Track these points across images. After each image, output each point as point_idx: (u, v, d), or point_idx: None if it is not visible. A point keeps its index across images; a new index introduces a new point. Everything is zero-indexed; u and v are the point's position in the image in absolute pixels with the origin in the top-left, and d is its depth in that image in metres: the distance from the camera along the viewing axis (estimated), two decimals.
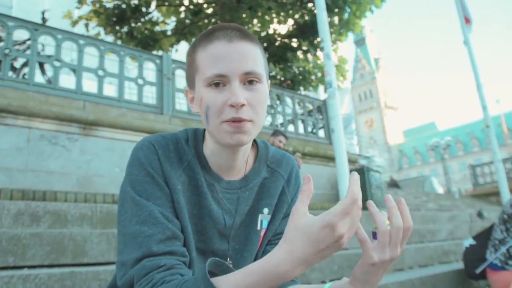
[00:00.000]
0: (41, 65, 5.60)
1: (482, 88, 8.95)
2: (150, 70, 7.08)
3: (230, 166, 0.99)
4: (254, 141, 1.07)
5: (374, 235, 0.80)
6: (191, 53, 0.94)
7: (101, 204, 2.64)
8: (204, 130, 1.03)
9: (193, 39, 8.31)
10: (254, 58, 0.90)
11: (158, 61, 6.23)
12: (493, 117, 8.88)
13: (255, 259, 1.05)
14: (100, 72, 5.55)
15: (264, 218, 1.05)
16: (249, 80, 0.88)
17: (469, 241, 2.92)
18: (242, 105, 0.85)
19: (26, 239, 1.92)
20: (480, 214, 6.74)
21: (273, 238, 1.07)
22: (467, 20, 9.20)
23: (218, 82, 0.86)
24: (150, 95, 7.84)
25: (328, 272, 2.59)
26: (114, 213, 2.64)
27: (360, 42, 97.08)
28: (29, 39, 5.35)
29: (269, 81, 1.01)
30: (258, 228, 1.04)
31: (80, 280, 1.63)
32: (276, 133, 5.74)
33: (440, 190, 26.84)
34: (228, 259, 1.00)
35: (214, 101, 0.87)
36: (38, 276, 1.55)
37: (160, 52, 10.93)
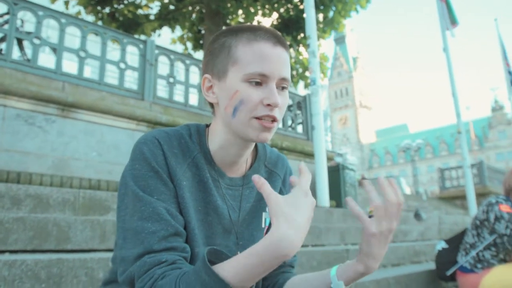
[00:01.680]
0: (20, 42, 5.41)
1: (457, 95, 9.22)
2: (131, 54, 6.96)
3: (234, 162, 1.00)
4: None
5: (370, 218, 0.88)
6: (226, 42, 0.93)
7: (84, 190, 2.59)
8: (206, 125, 1.03)
9: (177, 26, 8.13)
10: (288, 66, 0.94)
11: (141, 46, 6.13)
12: (463, 123, 9.17)
13: None
14: (82, 53, 5.41)
15: (267, 216, 1.08)
16: (282, 85, 0.92)
17: (441, 244, 3.04)
18: (277, 106, 0.89)
19: (8, 223, 1.87)
20: (417, 215, 6.36)
21: None
22: (448, 28, 9.43)
23: (259, 81, 0.89)
24: (129, 80, 7.72)
25: (307, 268, 2.65)
26: (97, 199, 2.60)
27: (339, 40, 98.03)
28: (7, 13, 5.15)
29: None
30: (263, 225, 1.07)
31: (68, 267, 1.61)
32: None
33: (408, 190, 27.57)
34: (238, 253, 1.02)
35: (250, 98, 0.88)
36: (24, 262, 1.52)
37: (142, 37, 10.73)
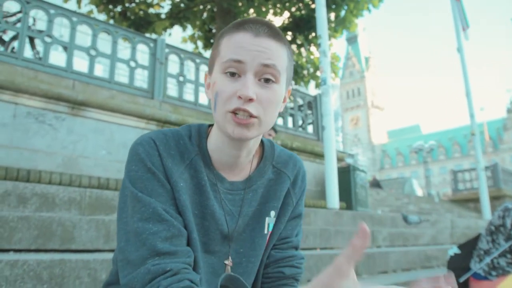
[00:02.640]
0: (31, 40, 5.44)
1: (471, 96, 9.08)
2: (141, 53, 6.96)
3: (233, 163, 0.95)
4: (261, 140, 1.03)
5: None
6: (217, 40, 0.91)
7: (90, 189, 2.58)
8: (208, 126, 0.99)
9: (188, 25, 8.18)
10: (276, 54, 0.86)
11: (152, 44, 6.12)
12: (477, 124, 9.06)
13: (260, 263, 1.02)
14: (92, 52, 5.42)
15: (271, 221, 1.01)
16: (265, 77, 0.85)
17: (454, 250, 2.95)
18: (250, 99, 0.82)
19: (13, 222, 1.86)
20: (405, 219, 5.91)
21: (278, 242, 1.04)
22: (464, 28, 9.28)
23: (234, 72, 0.84)
24: (139, 78, 7.73)
25: (315, 271, 2.60)
26: (103, 199, 2.58)
27: (352, 40, 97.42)
28: (20, 12, 5.18)
29: (290, 88, 0.98)
30: (265, 232, 1.00)
31: (70, 268, 1.58)
32: None
33: (420, 192, 27.28)
34: (229, 260, 0.97)
35: (224, 89, 0.84)
36: (26, 262, 1.50)
37: (153, 35, 10.76)
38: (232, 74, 0.84)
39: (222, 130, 0.88)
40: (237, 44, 0.84)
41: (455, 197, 15.32)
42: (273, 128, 5.65)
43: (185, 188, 0.89)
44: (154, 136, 0.90)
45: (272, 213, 1.01)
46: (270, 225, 1.01)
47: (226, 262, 0.96)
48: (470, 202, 14.24)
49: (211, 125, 0.99)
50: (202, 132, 0.96)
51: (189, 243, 0.87)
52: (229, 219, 0.95)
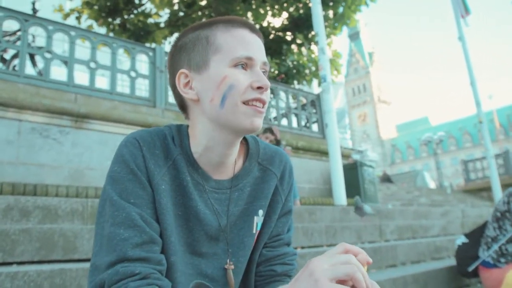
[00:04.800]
0: (32, 57, 5.51)
1: (476, 84, 8.99)
2: (142, 63, 7.00)
3: (221, 163, 0.94)
4: (244, 137, 1.01)
5: None
6: (200, 34, 0.90)
7: (92, 199, 2.59)
8: (187, 126, 0.97)
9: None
10: (264, 52, 0.93)
11: (151, 53, 6.17)
12: (486, 112, 8.96)
13: (250, 261, 1.01)
14: (92, 64, 5.47)
15: (259, 220, 1.00)
16: (263, 70, 0.90)
17: (461, 239, 2.92)
18: (266, 89, 0.87)
19: (15, 235, 1.88)
20: (357, 208, 4.84)
21: (269, 241, 1.03)
22: (463, 15, 9.18)
23: (244, 65, 0.86)
24: (142, 88, 7.79)
25: None
26: None
27: (354, 36, 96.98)
28: (19, 30, 5.26)
29: None
30: (254, 231, 0.99)
31: (70, 277, 1.60)
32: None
33: (432, 184, 27.01)
34: (229, 263, 0.95)
35: (240, 81, 0.85)
36: (27, 273, 1.51)
37: (153, 45, 10.83)
38: (243, 67, 0.86)
39: (232, 125, 0.87)
40: (243, 40, 0.87)
41: (467, 187, 15.16)
42: (270, 130, 5.51)
43: (166, 190, 0.88)
44: (139, 136, 0.89)
45: (260, 212, 1.00)
46: (259, 224, 1.00)
47: (226, 266, 0.95)
48: (483, 191, 14.07)
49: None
50: (182, 132, 0.95)
51: (166, 247, 0.86)
52: (217, 219, 0.93)
